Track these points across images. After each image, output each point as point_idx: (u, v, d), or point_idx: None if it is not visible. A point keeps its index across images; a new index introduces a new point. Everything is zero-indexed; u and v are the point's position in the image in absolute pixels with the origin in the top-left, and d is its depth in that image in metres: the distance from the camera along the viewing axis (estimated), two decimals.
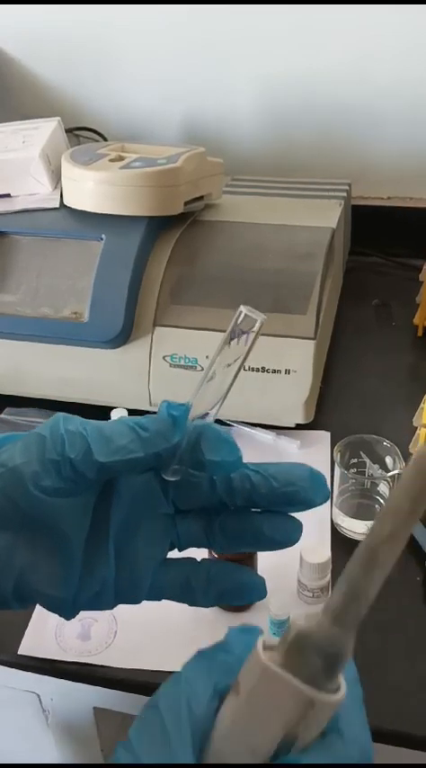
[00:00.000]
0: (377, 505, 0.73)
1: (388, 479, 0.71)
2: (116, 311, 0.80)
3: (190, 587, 0.37)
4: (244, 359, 0.34)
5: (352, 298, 1.05)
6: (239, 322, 0.34)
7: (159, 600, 0.37)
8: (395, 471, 0.70)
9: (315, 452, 0.81)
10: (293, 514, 0.36)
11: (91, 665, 0.62)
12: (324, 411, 0.85)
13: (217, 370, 0.34)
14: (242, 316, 0.34)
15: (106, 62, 1.14)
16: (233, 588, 0.37)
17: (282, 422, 0.82)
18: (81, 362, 0.83)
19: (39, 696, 0.70)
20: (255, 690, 0.27)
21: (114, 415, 0.84)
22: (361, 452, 0.75)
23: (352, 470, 0.73)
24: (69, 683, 0.64)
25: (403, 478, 0.26)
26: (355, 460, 0.74)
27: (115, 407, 0.84)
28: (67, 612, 0.36)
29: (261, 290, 0.82)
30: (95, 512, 0.35)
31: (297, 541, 0.36)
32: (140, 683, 0.62)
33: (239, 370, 0.35)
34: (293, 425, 0.82)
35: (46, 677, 0.65)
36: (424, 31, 1.01)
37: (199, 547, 0.37)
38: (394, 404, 0.88)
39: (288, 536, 0.36)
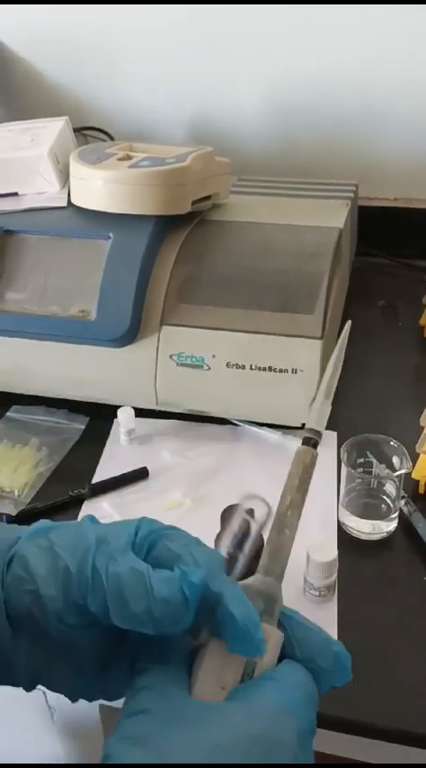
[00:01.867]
0: (383, 505, 0.73)
1: (395, 479, 0.71)
2: (123, 310, 0.80)
3: None
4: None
5: (359, 298, 1.05)
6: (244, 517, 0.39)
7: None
8: (402, 471, 0.70)
9: (321, 452, 0.79)
10: None
11: None
12: (331, 411, 0.85)
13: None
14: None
15: (113, 62, 1.15)
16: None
17: (289, 421, 0.82)
18: (88, 361, 0.83)
19: (44, 693, 0.70)
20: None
21: (120, 413, 0.84)
22: (368, 452, 0.75)
23: (359, 470, 0.74)
24: None
25: (292, 464, 0.38)
26: (362, 460, 0.74)
27: (121, 406, 0.85)
28: (85, 700, 0.38)
29: (269, 290, 0.82)
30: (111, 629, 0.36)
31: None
32: None
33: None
34: (299, 425, 0.82)
35: None
36: None
37: None
38: (400, 404, 0.88)
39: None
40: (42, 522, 0.37)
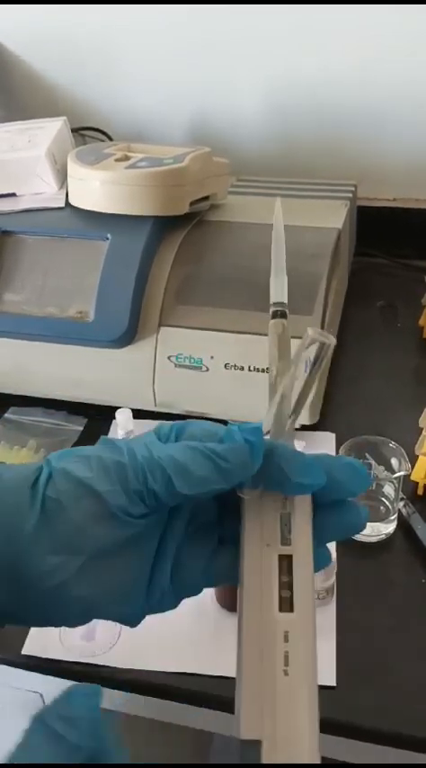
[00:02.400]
0: (382, 507, 0.73)
1: (394, 480, 0.71)
2: (121, 311, 0.80)
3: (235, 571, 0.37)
4: (315, 376, 0.36)
5: (358, 299, 1.05)
6: (307, 347, 0.36)
7: (214, 586, 0.38)
8: (401, 473, 0.70)
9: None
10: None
11: (94, 665, 0.62)
12: (329, 412, 0.85)
13: (285, 390, 0.36)
14: (308, 340, 0.35)
15: (112, 62, 1.14)
16: None
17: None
18: (86, 362, 0.83)
19: (42, 696, 0.70)
20: None
21: (118, 415, 0.83)
22: (366, 454, 0.74)
23: None
24: (73, 683, 0.64)
25: (268, 341, 0.39)
26: (360, 462, 0.74)
27: (120, 407, 0.84)
28: (135, 622, 0.36)
29: (267, 291, 0.82)
30: (167, 529, 0.36)
31: (357, 530, 0.36)
32: (143, 683, 0.62)
33: (310, 387, 0.36)
34: (298, 426, 0.82)
35: (49, 677, 0.65)
36: None
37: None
38: (399, 405, 0.88)
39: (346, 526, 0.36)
40: (58, 452, 0.36)
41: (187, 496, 0.33)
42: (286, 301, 0.41)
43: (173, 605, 0.37)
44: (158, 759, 0.96)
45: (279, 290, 0.42)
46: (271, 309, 0.41)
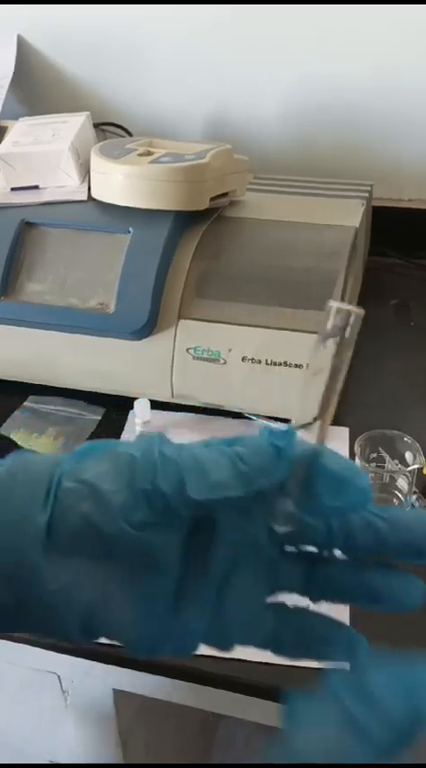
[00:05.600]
0: (395, 500, 0.74)
1: (407, 474, 0.73)
2: (142, 303, 0.82)
3: (278, 638, 0.33)
4: (346, 359, 0.32)
5: (372, 297, 1.06)
6: (332, 319, 0.31)
7: (244, 645, 0.33)
8: (415, 466, 0.72)
9: (333, 448, 0.82)
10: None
11: (115, 645, 0.63)
12: (343, 408, 0.86)
13: (314, 376, 0.32)
14: (333, 311, 0.31)
15: (132, 59, 1.16)
16: (319, 643, 0.33)
17: (301, 416, 0.83)
18: (105, 353, 0.84)
19: (59, 677, 0.72)
20: None
21: (137, 405, 0.85)
22: (380, 448, 0.76)
23: (372, 465, 0.75)
24: (90, 663, 0.66)
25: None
26: (374, 455, 0.75)
27: (137, 398, 0.86)
28: (140, 650, 0.32)
29: (285, 286, 0.84)
30: (192, 549, 0.31)
31: (419, 605, 0.31)
32: (161, 664, 0.63)
33: (339, 372, 0.33)
34: (311, 420, 0.83)
35: (68, 657, 0.66)
36: None
37: (292, 592, 0.33)
38: (412, 402, 0.89)
39: (411, 598, 0.32)
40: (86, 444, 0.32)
41: (206, 507, 0.29)
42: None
43: (193, 651, 0.32)
44: (167, 740, 0.98)
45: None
46: None
